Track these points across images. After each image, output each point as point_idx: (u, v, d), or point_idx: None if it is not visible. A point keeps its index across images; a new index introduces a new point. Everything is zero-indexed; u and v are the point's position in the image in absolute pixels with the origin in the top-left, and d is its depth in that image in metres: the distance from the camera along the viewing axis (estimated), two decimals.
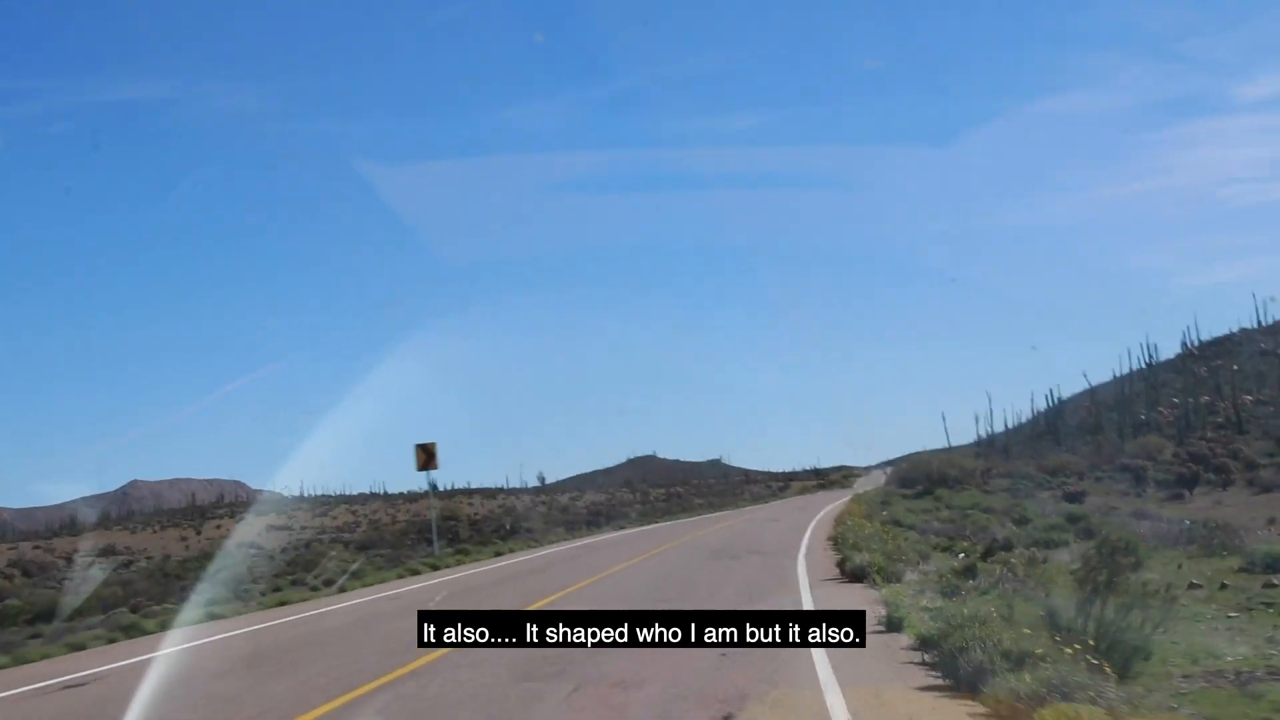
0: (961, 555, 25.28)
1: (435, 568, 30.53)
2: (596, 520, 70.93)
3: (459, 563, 32.45)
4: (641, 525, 60.63)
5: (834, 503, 70.43)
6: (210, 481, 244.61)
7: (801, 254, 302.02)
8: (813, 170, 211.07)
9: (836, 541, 29.93)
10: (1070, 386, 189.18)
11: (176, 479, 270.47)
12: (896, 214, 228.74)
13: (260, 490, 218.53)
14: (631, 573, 24.75)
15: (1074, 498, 41.94)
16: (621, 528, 58.03)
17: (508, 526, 67.87)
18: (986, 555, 24.19)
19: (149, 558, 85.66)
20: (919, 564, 22.46)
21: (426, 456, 34.34)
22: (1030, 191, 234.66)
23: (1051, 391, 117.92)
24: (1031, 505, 37.48)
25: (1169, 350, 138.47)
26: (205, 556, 65.53)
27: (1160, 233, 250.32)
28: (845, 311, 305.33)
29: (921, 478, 65.62)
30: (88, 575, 56.23)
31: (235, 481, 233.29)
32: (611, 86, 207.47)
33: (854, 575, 20.67)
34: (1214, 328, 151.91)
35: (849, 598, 17.83)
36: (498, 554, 36.05)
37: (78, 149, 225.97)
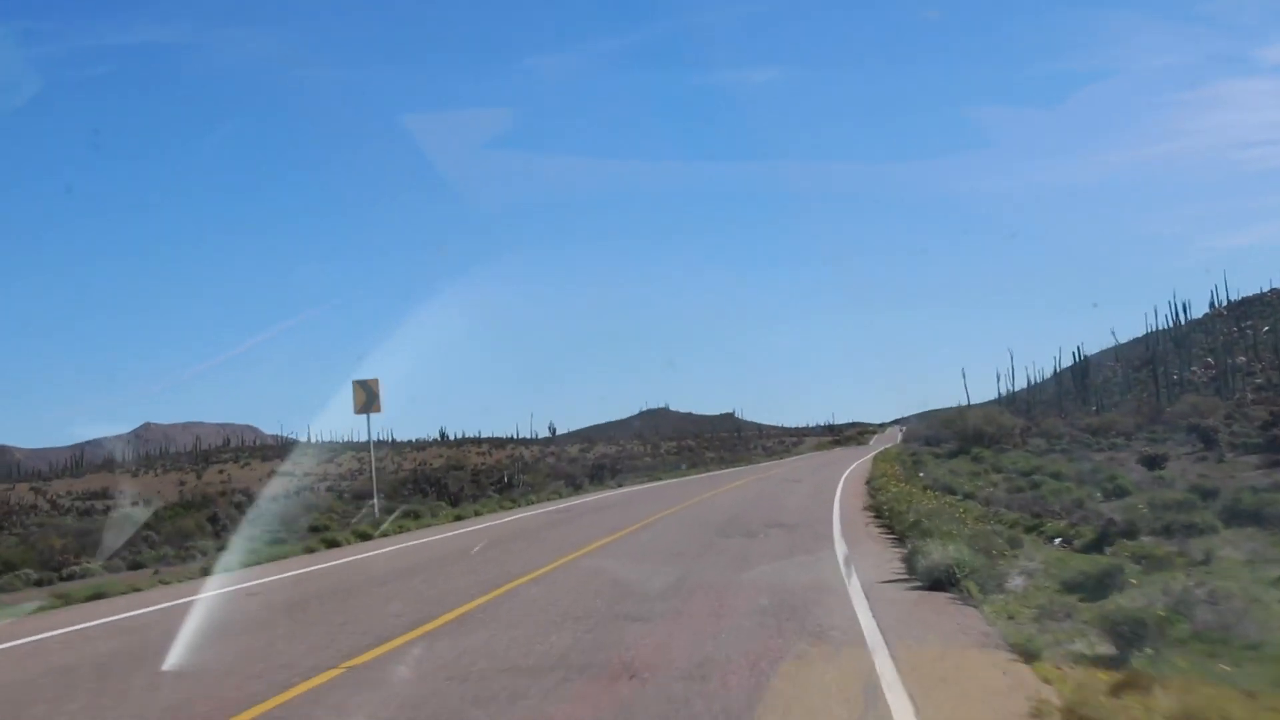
0: (1059, 541, 17.97)
1: (367, 537, 23.23)
2: (600, 474, 63.78)
3: (401, 530, 25.08)
4: (647, 482, 53.58)
5: (856, 461, 63.06)
6: (222, 425, 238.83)
7: (822, 211, 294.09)
8: (833, 128, 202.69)
9: (881, 514, 22.60)
10: (1091, 346, 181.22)
11: (190, 422, 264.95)
12: (917, 173, 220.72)
13: (274, 436, 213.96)
14: (609, 555, 17.52)
15: (1154, 462, 34.32)
16: (621, 485, 50.86)
17: (506, 480, 61.48)
18: (1100, 544, 16.87)
19: (135, 503, 79.30)
20: (1013, 556, 15.08)
21: (366, 396, 26.88)
22: (1050, 153, 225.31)
23: (1079, 349, 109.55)
24: (1120, 472, 29.92)
25: (1192, 310, 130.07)
26: (188, 505, 59.85)
27: (1179, 196, 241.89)
28: (864, 268, 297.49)
29: (953, 435, 58.05)
30: (59, 523, 50.29)
31: (247, 426, 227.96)
32: (638, 34, 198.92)
33: (929, 577, 13.30)
34: (1235, 289, 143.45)
35: (944, 627, 10.55)
36: (459, 518, 28.70)
37: (111, 90, 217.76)
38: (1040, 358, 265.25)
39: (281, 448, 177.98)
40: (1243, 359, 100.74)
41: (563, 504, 34.66)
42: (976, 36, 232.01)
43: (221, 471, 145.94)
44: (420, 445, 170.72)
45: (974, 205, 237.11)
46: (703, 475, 60.37)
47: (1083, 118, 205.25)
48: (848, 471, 48.17)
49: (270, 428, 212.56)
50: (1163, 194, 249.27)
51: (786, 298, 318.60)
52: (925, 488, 29.71)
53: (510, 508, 33.18)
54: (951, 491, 28.14)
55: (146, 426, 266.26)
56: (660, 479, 57.19)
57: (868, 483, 34.05)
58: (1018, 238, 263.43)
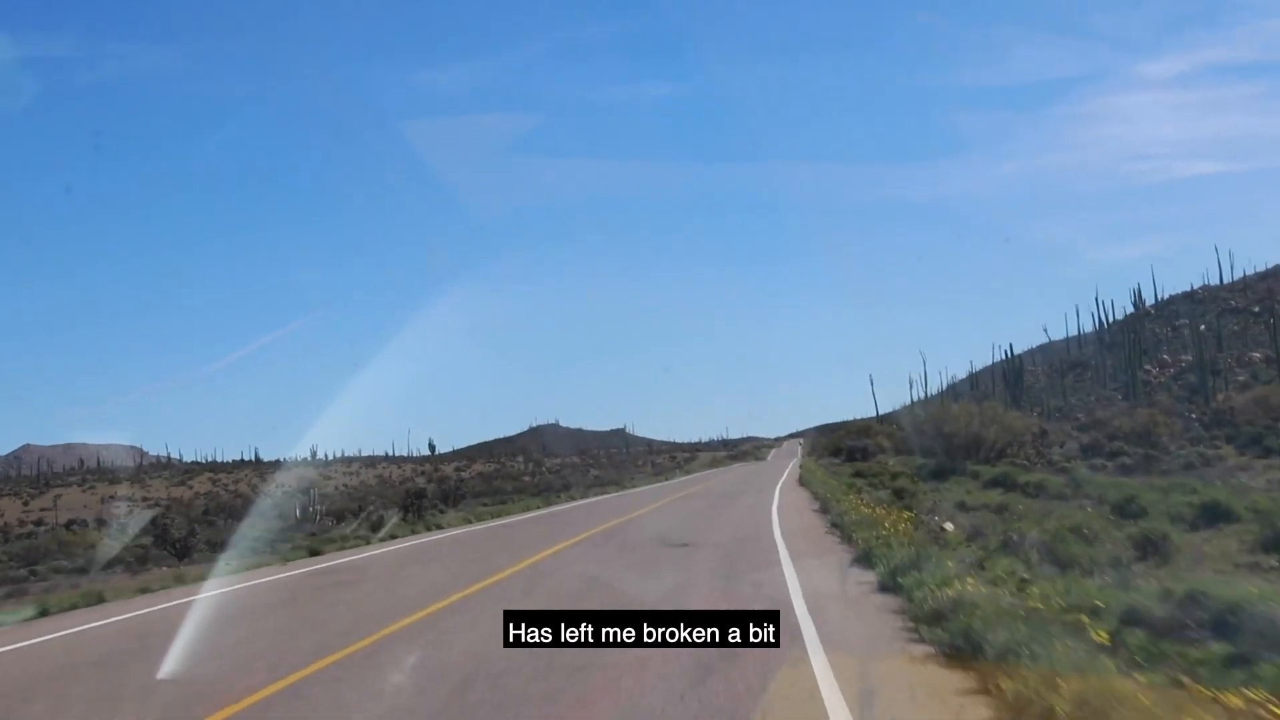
0: None
1: None
2: (419, 505, 40.60)
3: None
4: (491, 519, 31.25)
5: (773, 484, 40.65)
6: (106, 446, 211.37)
7: (710, 221, 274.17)
8: (699, 135, 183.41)
9: None
10: (990, 354, 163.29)
11: (72, 444, 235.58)
12: (810, 180, 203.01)
13: (157, 456, 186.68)
14: None
15: None
16: (433, 529, 27.47)
17: (298, 515, 39.87)
18: None
19: None
20: None
21: None
22: (943, 163, 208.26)
23: (1010, 348, 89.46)
24: None
25: (1073, 319, 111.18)
26: None
27: (1069, 207, 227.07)
28: (758, 279, 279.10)
29: (932, 443, 35.05)
30: None
31: (131, 447, 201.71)
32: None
33: None
34: (1119, 299, 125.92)
35: None
36: None
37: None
38: (953, 362, 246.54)
39: (131, 470, 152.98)
40: (1188, 358, 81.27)
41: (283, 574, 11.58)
42: (860, 42, 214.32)
43: (59, 496, 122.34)
44: (281, 465, 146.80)
45: (863, 214, 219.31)
46: (574, 504, 37.83)
47: (975, 128, 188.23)
48: (775, 506, 25.67)
49: (156, 448, 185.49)
50: (1048, 206, 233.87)
51: (681, 311, 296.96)
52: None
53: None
54: None
55: (25, 448, 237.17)
56: (513, 511, 34.56)
57: (847, 539, 11.68)
58: (927, 247, 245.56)
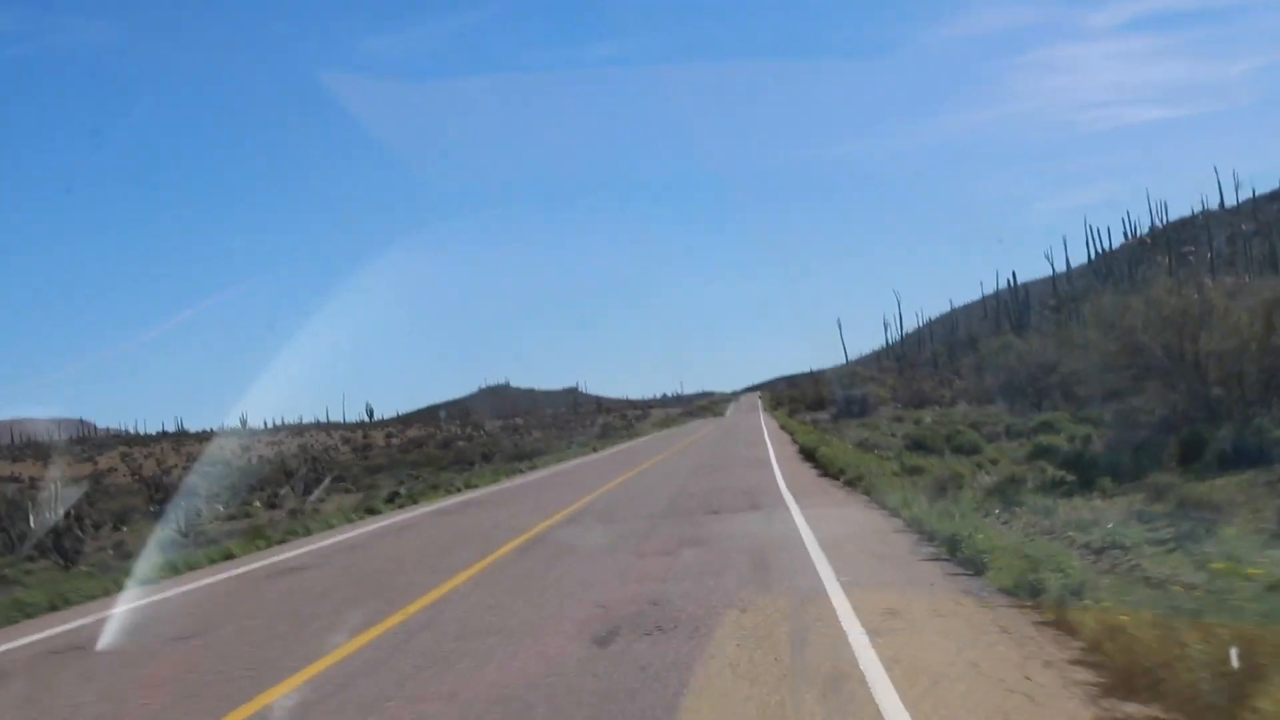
0: None
1: None
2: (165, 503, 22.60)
3: None
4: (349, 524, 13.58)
5: (760, 461, 23.07)
6: (56, 421, 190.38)
7: (666, 179, 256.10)
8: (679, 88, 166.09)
9: None
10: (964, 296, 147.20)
11: (16, 419, 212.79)
12: (762, 134, 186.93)
13: (106, 430, 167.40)
14: None
15: None
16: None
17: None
18: None
19: None
20: None
21: None
22: (884, 117, 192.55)
23: (1014, 276, 72.76)
24: None
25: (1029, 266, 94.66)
26: None
27: (1017, 158, 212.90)
28: (710, 236, 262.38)
29: (1147, 372, 15.69)
30: None
31: (80, 420, 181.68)
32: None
33: None
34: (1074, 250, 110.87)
35: None
36: None
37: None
38: (927, 305, 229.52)
39: (52, 446, 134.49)
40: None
41: None
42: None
43: None
44: (203, 436, 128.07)
45: (811, 170, 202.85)
46: (362, 531, 19.74)
47: (917, 82, 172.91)
48: (809, 537, 7.76)
49: (113, 421, 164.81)
50: (997, 157, 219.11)
51: (633, 270, 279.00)
52: None
53: None
54: None
55: None
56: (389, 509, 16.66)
57: None
58: (876, 205, 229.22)
